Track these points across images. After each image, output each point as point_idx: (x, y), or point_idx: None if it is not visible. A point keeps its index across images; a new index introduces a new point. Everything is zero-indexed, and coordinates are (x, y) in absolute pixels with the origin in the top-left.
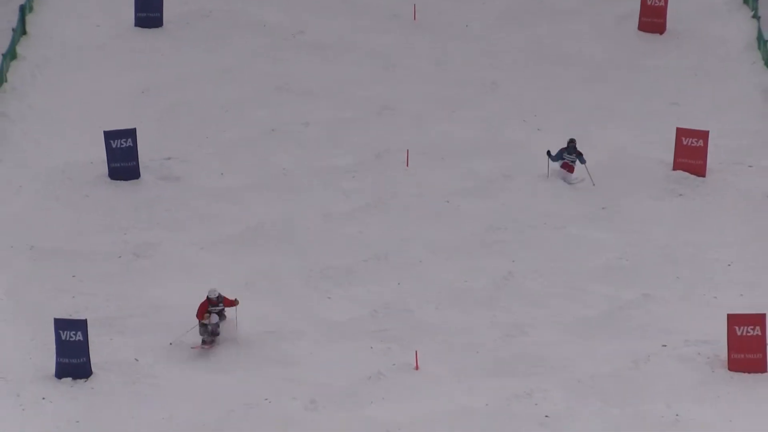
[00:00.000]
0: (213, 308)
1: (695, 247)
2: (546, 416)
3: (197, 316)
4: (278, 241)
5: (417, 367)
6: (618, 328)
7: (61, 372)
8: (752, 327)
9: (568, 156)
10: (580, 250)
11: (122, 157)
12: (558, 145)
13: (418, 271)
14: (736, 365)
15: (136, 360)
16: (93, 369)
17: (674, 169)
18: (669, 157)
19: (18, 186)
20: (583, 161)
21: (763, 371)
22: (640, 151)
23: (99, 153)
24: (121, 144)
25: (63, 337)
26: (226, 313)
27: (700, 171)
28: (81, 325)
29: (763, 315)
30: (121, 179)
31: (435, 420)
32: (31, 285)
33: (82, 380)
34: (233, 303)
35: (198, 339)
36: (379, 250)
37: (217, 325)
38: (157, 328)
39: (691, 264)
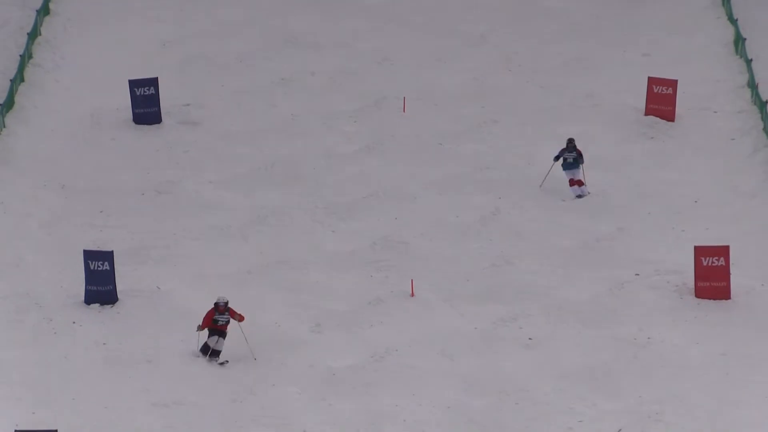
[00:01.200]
0: (219, 316)
1: (665, 184)
2: (529, 339)
3: (202, 324)
4: (287, 180)
5: (412, 294)
6: (595, 258)
7: (90, 299)
8: (717, 258)
9: (569, 154)
10: (560, 188)
11: (145, 104)
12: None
13: (413, 207)
14: (702, 293)
15: (158, 288)
16: (119, 296)
17: (646, 114)
18: (641, 103)
19: (51, 130)
20: (581, 161)
21: (726, 298)
22: (614, 98)
23: (124, 100)
24: (144, 92)
25: (91, 267)
26: (228, 331)
27: (669, 116)
28: (108, 256)
29: (727, 247)
30: (144, 124)
31: (428, 342)
32: (63, 220)
33: (109, 306)
34: (238, 316)
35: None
36: (377, 188)
37: (220, 348)
38: (177, 258)
39: (661, 200)
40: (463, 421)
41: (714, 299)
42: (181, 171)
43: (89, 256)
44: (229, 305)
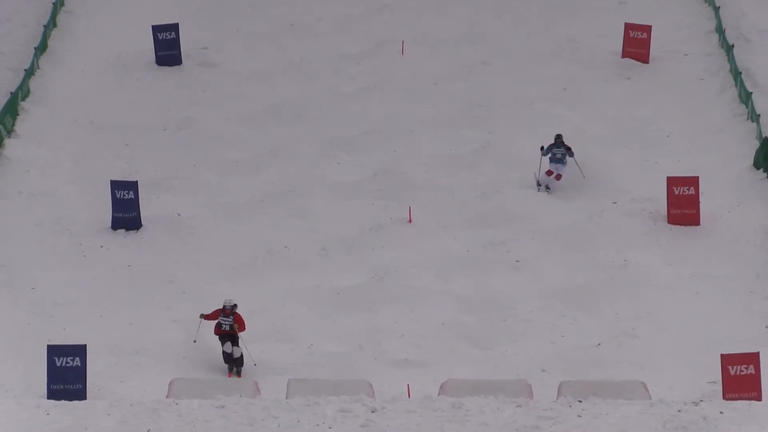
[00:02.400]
0: (224, 319)
1: (640, 120)
2: (517, 261)
3: (207, 317)
4: (296, 116)
5: (410, 220)
6: (576, 187)
7: (116, 224)
8: (687, 187)
9: (557, 150)
10: (545, 123)
11: (167, 47)
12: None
13: (411, 141)
14: (673, 219)
15: (178, 215)
16: (143, 222)
17: (623, 56)
18: (618, 47)
19: (81, 71)
20: (571, 155)
21: (696, 224)
22: (594, 42)
23: (148, 44)
24: (166, 36)
25: (118, 196)
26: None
27: (644, 59)
28: (133, 186)
29: (696, 177)
30: (165, 65)
31: (424, 264)
32: (92, 152)
33: (134, 231)
34: (241, 323)
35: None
36: (378, 124)
37: (241, 357)
38: (196, 188)
39: (636, 135)
40: (456, 336)
41: (684, 225)
42: (200, 108)
43: (116, 185)
44: (236, 310)
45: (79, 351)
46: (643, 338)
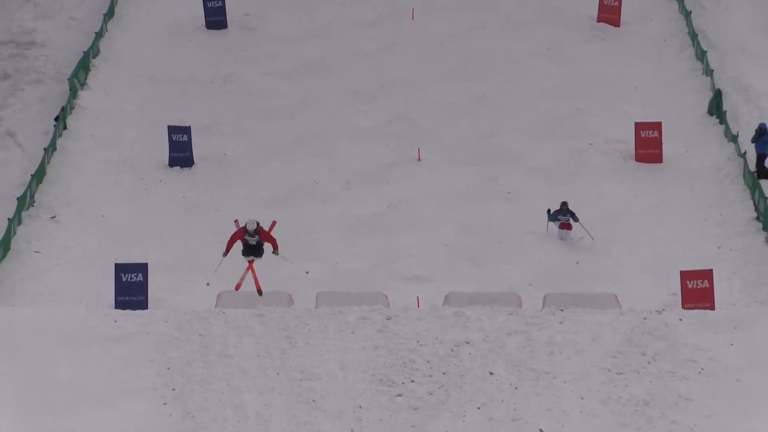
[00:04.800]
0: (249, 238)
1: (612, 74)
2: (509, 193)
3: (228, 243)
4: (323, 72)
5: (419, 159)
6: (558, 131)
7: (173, 162)
8: (652, 131)
9: (563, 217)
10: (533, 78)
11: (215, 13)
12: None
13: (420, 92)
14: (640, 158)
15: (225, 155)
16: (195, 160)
17: (598, 21)
18: (594, 12)
19: (142, 33)
20: (576, 219)
21: (659, 162)
22: (573, 9)
23: (198, 11)
24: (214, 4)
25: (174, 138)
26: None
27: (616, 23)
28: (186, 130)
29: (659, 123)
30: (213, 29)
31: (431, 195)
32: (151, 103)
33: (187, 168)
34: (273, 239)
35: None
36: (392, 78)
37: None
38: (240, 132)
39: (609, 86)
40: (457, 255)
41: (649, 163)
42: (242, 65)
43: (172, 130)
44: (260, 225)
45: (142, 268)
46: (615, 257)
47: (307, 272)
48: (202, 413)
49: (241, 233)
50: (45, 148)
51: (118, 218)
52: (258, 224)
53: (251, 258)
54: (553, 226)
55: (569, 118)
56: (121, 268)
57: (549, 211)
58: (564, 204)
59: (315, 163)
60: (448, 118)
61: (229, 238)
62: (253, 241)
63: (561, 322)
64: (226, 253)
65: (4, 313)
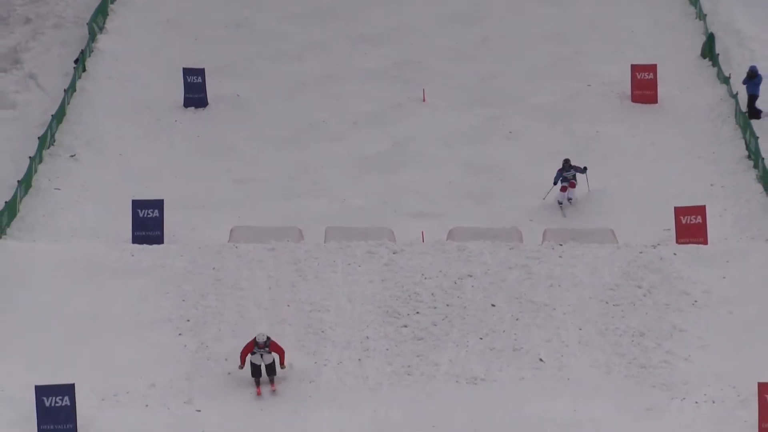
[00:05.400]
0: (259, 351)
1: (610, 19)
2: (509, 132)
3: (240, 356)
4: (331, 17)
5: (424, 100)
6: (557, 73)
7: (187, 103)
8: (648, 73)
9: (567, 173)
10: (533, 22)
11: None
12: None
13: (425, 36)
14: (636, 98)
15: (237, 95)
16: (209, 101)
17: None
18: None
19: None
20: (583, 171)
21: (654, 103)
22: None
23: None
24: None
25: (188, 80)
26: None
27: None
28: (200, 72)
29: (655, 65)
30: None
31: (435, 135)
32: (167, 46)
33: (201, 108)
34: (280, 350)
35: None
36: (398, 23)
37: (272, 366)
38: (252, 74)
39: (607, 31)
40: (460, 192)
41: (645, 103)
42: (254, 10)
43: (187, 71)
44: (271, 340)
45: (158, 204)
46: (611, 194)
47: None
48: (215, 343)
49: (251, 346)
50: (65, 90)
51: (135, 157)
52: (268, 337)
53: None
54: (554, 192)
55: (568, 60)
56: (138, 205)
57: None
58: (566, 161)
59: (324, 103)
60: (451, 60)
61: (242, 351)
62: (266, 359)
63: (560, 256)
64: (241, 367)
65: (25, 248)
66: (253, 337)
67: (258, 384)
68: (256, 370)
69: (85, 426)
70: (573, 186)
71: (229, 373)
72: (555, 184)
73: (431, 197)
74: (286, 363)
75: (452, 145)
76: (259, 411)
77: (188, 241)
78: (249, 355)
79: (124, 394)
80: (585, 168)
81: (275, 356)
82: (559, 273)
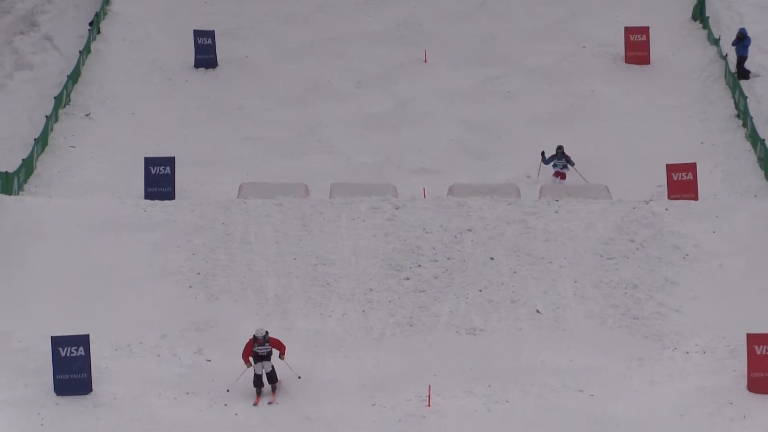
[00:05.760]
0: (259, 348)
1: None
2: (508, 92)
3: (243, 357)
4: None
5: (425, 61)
6: (554, 35)
7: (198, 64)
8: (640, 35)
9: (558, 161)
10: None
11: None
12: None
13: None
14: (630, 59)
15: (246, 57)
16: (218, 62)
17: None
18: None
19: None
20: (572, 164)
21: (647, 63)
22: None
23: None
24: None
25: (199, 42)
26: (274, 359)
27: None
28: (210, 34)
29: (647, 27)
30: None
31: (436, 94)
32: (178, 8)
33: (211, 69)
34: (280, 345)
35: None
36: None
37: (273, 374)
38: (260, 35)
39: None
40: (460, 149)
41: (638, 64)
42: None
43: (197, 33)
44: (269, 335)
45: (169, 161)
46: (605, 151)
47: (300, 377)
48: (224, 295)
49: (252, 344)
50: (80, 51)
51: (147, 115)
52: (266, 332)
53: (260, 387)
54: (545, 170)
55: (564, 23)
56: (150, 162)
57: (543, 154)
58: (560, 148)
59: (329, 64)
60: (452, 22)
61: (243, 352)
62: (264, 351)
63: (556, 212)
64: (247, 365)
65: (42, 203)
66: (252, 335)
67: (258, 394)
68: (257, 380)
69: (99, 375)
70: (563, 177)
71: (227, 390)
72: (546, 164)
73: (432, 154)
74: (295, 372)
75: (452, 105)
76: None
77: (198, 196)
78: (251, 361)
79: (137, 345)
80: (573, 163)
81: (273, 363)
82: (555, 228)
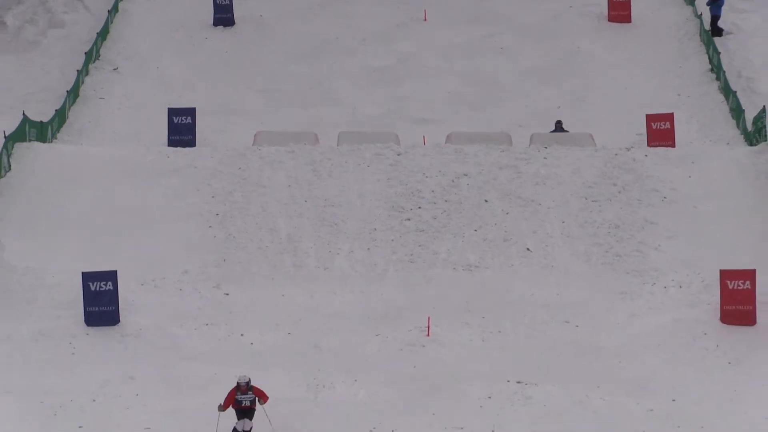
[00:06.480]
0: (243, 396)
1: None
2: (501, 48)
3: (224, 403)
4: None
5: (425, 19)
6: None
7: (217, 22)
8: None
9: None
10: None
11: None
12: None
13: None
14: (612, 18)
15: (261, 16)
16: (235, 21)
17: None
18: None
19: None
20: None
21: (628, 22)
22: None
23: None
24: None
25: (217, 2)
26: (257, 404)
27: None
28: None
29: None
30: None
31: (435, 50)
32: None
33: (229, 27)
34: (263, 395)
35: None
36: None
37: (249, 429)
38: None
39: None
40: (457, 101)
41: (620, 23)
42: None
43: None
44: (252, 384)
45: (191, 112)
46: (590, 103)
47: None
48: (241, 234)
49: (234, 392)
50: (108, 11)
51: (170, 70)
52: (249, 379)
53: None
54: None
55: None
56: (173, 112)
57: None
58: (558, 123)
59: (336, 23)
60: None
61: (225, 399)
62: (247, 400)
63: (545, 158)
64: (222, 409)
65: (74, 151)
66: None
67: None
68: (240, 413)
69: (126, 307)
70: None
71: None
72: None
73: (432, 106)
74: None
75: (450, 60)
76: (280, 297)
77: (217, 144)
78: (233, 408)
79: (161, 280)
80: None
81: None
82: (544, 172)
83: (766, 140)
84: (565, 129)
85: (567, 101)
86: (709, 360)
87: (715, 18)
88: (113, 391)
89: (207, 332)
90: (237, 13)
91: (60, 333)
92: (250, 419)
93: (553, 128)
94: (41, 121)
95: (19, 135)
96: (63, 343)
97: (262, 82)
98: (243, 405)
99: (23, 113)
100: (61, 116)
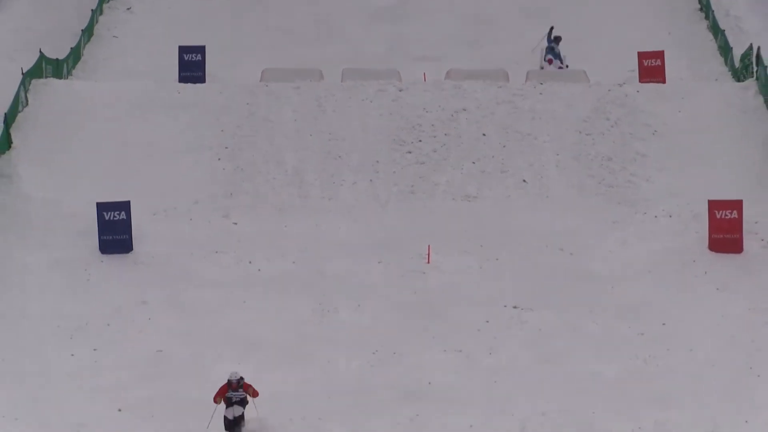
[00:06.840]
0: (233, 393)
1: None
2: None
3: (214, 399)
4: None
5: None
6: None
7: None
8: None
9: (556, 47)
10: None
11: None
12: None
13: None
14: None
15: None
16: None
17: None
18: None
19: None
20: (561, 61)
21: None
22: None
23: None
24: None
25: None
26: (248, 399)
27: None
28: None
29: None
30: None
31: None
32: None
33: None
34: (253, 391)
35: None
36: None
37: (241, 417)
38: None
39: None
40: (457, 40)
41: None
42: None
43: None
44: (243, 381)
45: (200, 50)
46: (584, 41)
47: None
48: (249, 167)
49: (225, 389)
50: None
51: (181, 8)
52: (241, 377)
53: None
54: (543, 44)
55: None
56: (183, 50)
57: (551, 29)
58: (558, 38)
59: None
60: None
61: (215, 395)
62: (237, 397)
63: (541, 94)
64: (216, 402)
65: (88, 87)
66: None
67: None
68: (228, 424)
69: (139, 236)
70: (551, 62)
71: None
72: (548, 44)
73: (432, 44)
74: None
75: (450, 4)
76: (284, 228)
77: (226, 80)
78: (223, 403)
79: (172, 210)
80: (567, 66)
81: (246, 407)
82: (540, 107)
83: (752, 76)
84: (562, 56)
85: (563, 39)
86: (697, 286)
87: None
88: (127, 315)
89: (216, 259)
90: None
91: (76, 261)
92: (242, 407)
93: (552, 38)
94: (57, 59)
95: (36, 72)
96: (78, 270)
97: (269, 21)
98: (233, 401)
99: (40, 51)
100: (76, 54)
